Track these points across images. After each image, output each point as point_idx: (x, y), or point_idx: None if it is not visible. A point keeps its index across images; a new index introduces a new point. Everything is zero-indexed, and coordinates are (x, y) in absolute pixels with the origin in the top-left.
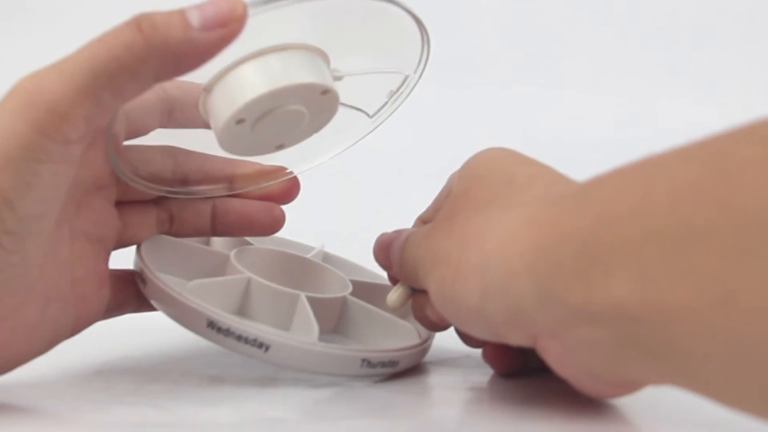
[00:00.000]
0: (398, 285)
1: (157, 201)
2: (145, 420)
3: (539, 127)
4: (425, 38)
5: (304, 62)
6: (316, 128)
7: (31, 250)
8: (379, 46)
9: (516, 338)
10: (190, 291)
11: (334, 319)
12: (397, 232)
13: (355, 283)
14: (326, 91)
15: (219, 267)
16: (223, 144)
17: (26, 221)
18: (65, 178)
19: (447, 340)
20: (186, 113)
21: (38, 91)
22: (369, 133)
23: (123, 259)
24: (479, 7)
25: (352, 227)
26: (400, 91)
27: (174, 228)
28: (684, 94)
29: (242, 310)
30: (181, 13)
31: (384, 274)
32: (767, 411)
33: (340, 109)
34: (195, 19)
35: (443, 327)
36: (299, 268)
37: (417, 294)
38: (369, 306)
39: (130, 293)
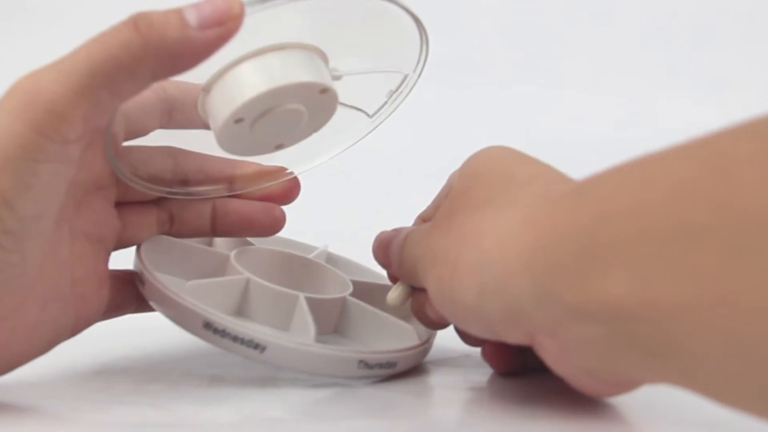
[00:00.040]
0: (398, 284)
1: (158, 201)
2: (145, 420)
3: (539, 127)
4: (424, 37)
5: (303, 61)
6: (316, 128)
7: (30, 250)
8: (378, 45)
9: (513, 336)
10: (188, 291)
11: (333, 320)
12: (396, 231)
13: (356, 284)
14: (325, 90)
15: (219, 267)
16: (222, 144)
17: (25, 221)
18: (64, 178)
19: (447, 340)
20: (185, 114)
21: (36, 91)
22: (369, 132)
23: (123, 259)
24: (479, 7)
25: (352, 227)
26: (400, 90)
27: (174, 228)
28: (684, 94)
29: (241, 311)
30: (179, 12)
31: (385, 273)
32: (764, 409)
33: (340, 109)
34: (192, 17)
35: (443, 325)
36: (300, 269)
37: (416, 292)
38: (368, 307)
39: (130, 294)
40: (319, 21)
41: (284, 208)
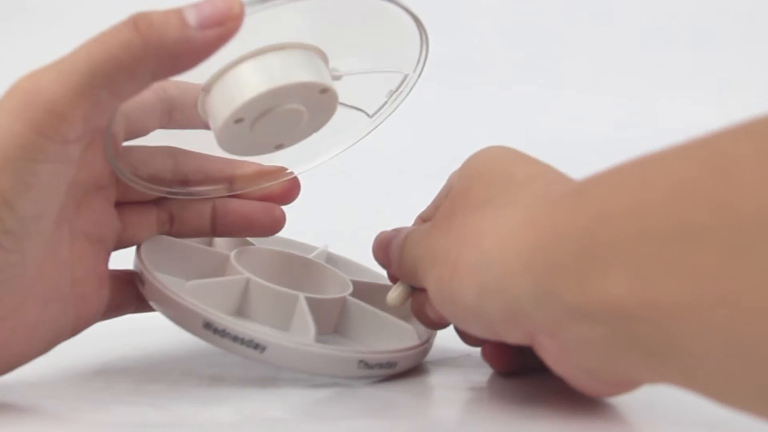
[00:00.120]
0: (398, 284)
1: (158, 201)
2: (145, 420)
3: (539, 127)
4: (424, 37)
5: (303, 61)
6: (316, 128)
7: (30, 250)
8: (378, 45)
9: (513, 336)
10: (187, 291)
11: (334, 320)
12: (396, 231)
13: (356, 284)
14: (325, 90)
15: (219, 267)
16: (222, 144)
17: (25, 221)
18: (64, 178)
19: (447, 340)
20: (185, 114)
21: (36, 91)
22: (369, 132)
23: (123, 259)
24: (479, 7)
25: (352, 227)
26: (400, 90)
27: (174, 228)
28: (684, 94)
29: (241, 311)
30: (178, 12)
31: (385, 273)
32: (763, 409)
33: (340, 109)
34: (192, 17)
35: (443, 325)
36: (300, 269)
37: (416, 292)
38: (368, 307)
39: (130, 294)
40: (318, 21)
41: (284, 208)
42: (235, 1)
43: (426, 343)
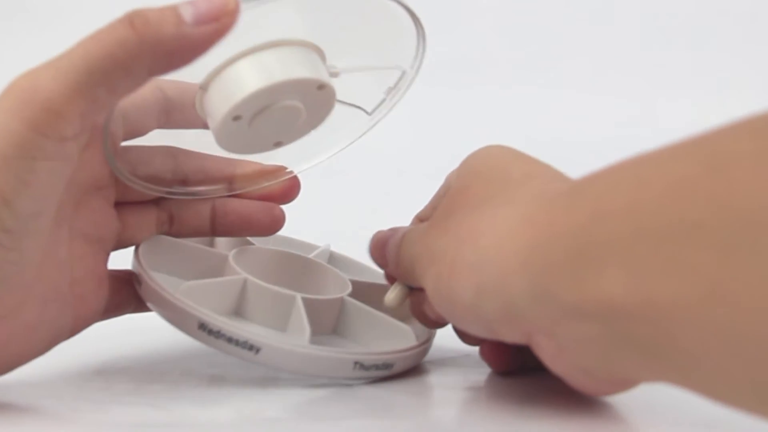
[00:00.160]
0: (395, 284)
1: (157, 201)
2: (145, 420)
3: (539, 127)
4: (421, 32)
5: (300, 58)
6: (314, 125)
7: (28, 248)
8: (375, 42)
9: (511, 335)
10: (183, 292)
11: (332, 320)
12: (393, 230)
13: (356, 284)
14: (322, 87)
15: (218, 267)
16: (221, 141)
17: (23, 219)
18: (62, 176)
19: (446, 339)
20: (184, 113)
21: (33, 90)
22: (368, 130)
23: (123, 259)
24: (479, 7)
25: (352, 227)
26: (398, 87)
27: (174, 228)
28: (684, 94)
29: (239, 311)
30: (174, 8)
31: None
32: (761, 407)
33: (339, 108)
34: (188, 14)
35: (441, 324)
36: (299, 268)
37: (415, 292)
38: (366, 307)
39: (129, 294)
40: (315, 18)
41: (284, 207)
42: None
43: (424, 344)
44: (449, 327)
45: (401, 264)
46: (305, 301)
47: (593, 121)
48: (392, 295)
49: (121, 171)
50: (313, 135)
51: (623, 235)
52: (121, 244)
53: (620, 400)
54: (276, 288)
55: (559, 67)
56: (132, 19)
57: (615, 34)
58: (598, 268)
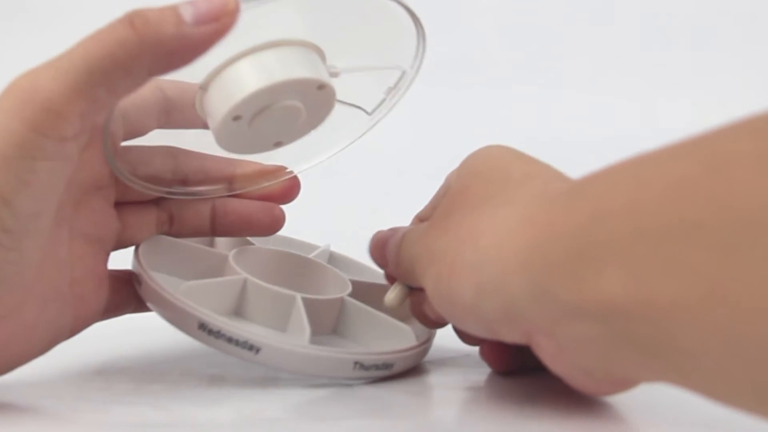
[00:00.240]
0: (395, 284)
1: (157, 201)
2: (145, 420)
3: (539, 127)
4: (421, 32)
5: (300, 58)
6: (314, 125)
7: (28, 248)
8: (375, 42)
9: (511, 335)
10: (183, 292)
11: (332, 321)
12: (393, 230)
13: (356, 284)
14: (322, 87)
15: (218, 267)
16: (221, 141)
17: (23, 219)
18: (62, 176)
19: (446, 339)
20: (184, 113)
21: (33, 90)
22: (368, 130)
23: (123, 259)
24: (479, 7)
25: (352, 227)
26: (398, 86)
27: (174, 228)
28: (684, 94)
29: (239, 312)
30: (174, 8)
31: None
32: (761, 407)
33: (339, 108)
34: (188, 14)
35: (441, 324)
36: (299, 268)
37: (415, 292)
38: (366, 307)
39: (129, 294)
40: (315, 18)
41: (284, 207)
42: None
43: (424, 344)
44: (449, 327)
45: (401, 264)
46: (305, 301)
47: (593, 121)
48: (392, 295)
49: (121, 171)
50: (313, 135)
51: (623, 235)
52: (121, 244)
53: (620, 400)
54: (276, 288)
55: (559, 67)
56: (132, 19)
57: (615, 34)
58: (598, 268)
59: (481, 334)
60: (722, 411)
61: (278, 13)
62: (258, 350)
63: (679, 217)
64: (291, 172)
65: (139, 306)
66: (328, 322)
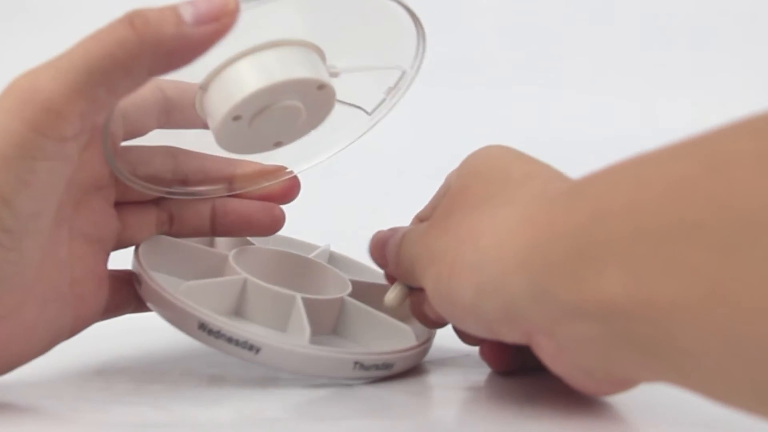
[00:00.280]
0: (395, 284)
1: (157, 202)
2: (145, 420)
3: (539, 127)
4: (420, 32)
5: (299, 58)
6: (314, 125)
7: (28, 248)
8: (374, 41)
9: (510, 335)
10: (183, 293)
11: (332, 321)
12: (393, 230)
13: (356, 284)
14: (322, 86)
15: (218, 267)
16: (221, 141)
17: (23, 219)
18: (62, 176)
19: (446, 339)
20: (184, 114)
21: (33, 90)
22: (368, 130)
23: (123, 259)
24: (479, 7)
25: (352, 227)
26: (398, 86)
27: (174, 229)
28: (684, 94)
29: (239, 312)
30: (174, 8)
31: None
32: (761, 407)
33: (339, 108)
34: (188, 14)
35: (442, 324)
36: (299, 268)
37: (415, 292)
38: (366, 307)
39: (129, 294)
40: (315, 18)
41: (284, 207)
42: None
43: (424, 344)
44: (449, 327)
45: (401, 264)
46: (305, 301)
47: (593, 121)
48: (392, 295)
49: (121, 171)
50: (313, 135)
51: (623, 235)
52: (121, 244)
53: (620, 400)
54: (276, 288)
55: (559, 67)
56: (132, 19)
57: (615, 34)
58: (598, 268)
59: (481, 334)
60: (722, 411)
61: (278, 13)
62: (258, 350)
63: (679, 217)
64: (291, 172)
65: (139, 306)
66: (328, 322)
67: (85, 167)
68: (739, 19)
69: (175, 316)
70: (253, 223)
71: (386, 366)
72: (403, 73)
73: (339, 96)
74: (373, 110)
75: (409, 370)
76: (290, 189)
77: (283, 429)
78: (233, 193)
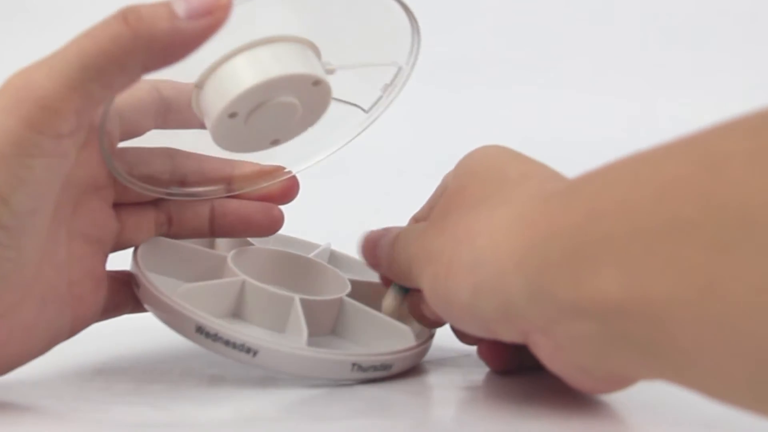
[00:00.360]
0: (389, 290)
1: (156, 203)
2: (145, 420)
3: (539, 128)
4: (415, 26)
5: (294, 54)
6: (310, 123)
7: (26, 246)
8: (369, 38)
9: (508, 335)
10: (180, 295)
11: (331, 321)
12: (385, 230)
13: (356, 284)
14: (318, 83)
15: (217, 268)
16: (218, 140)
17: (20, 216)
18: (58, 173)
19: (445, 339)
20: (181, 114)
21: (28, 87)
22: (365, 128)
23: (123, 259)
24: (479, 7)
25: (352, 227)
26: (394, 83)
27: (173, 230)
28: (684, 94)
29: (237, 313)
30: (167, 4)
31: None
32: (757, 404)
33: (336, 106)
34: (181, 9)
35: (441, 324)
36: (298, 268)
37: (413, 292)
38: (365, 308)
39: (127, 295)
40: (309, 14)
41: (284, 207)
42: None
43: (423, 344)
44: (447, 326)
45: (396, 264)
46: (303, 302)
47: (593, 121)
48: (387, 301)
49: (118, 171)
50: (311, 134)
51: (618, 234)
52: (119, 246)
53: (619, 400)
54: (274, 289)
55: (559, 67)
56: (125, 15)
57: (615, 34)
58: (594, 267)
59: (479, 334)
60: (722, 410)
61: (272, 10)
62: (255, 353)
63: (673, 215)
64: (289, 172)
65: (137, 307)
66: (326, 323)
67: (83, 167)
68: (739, 19)
69: (173, 319)
70: (252, 223)
71: (384, 367)
72: (399, 69)
73: (335, 94)
74: (370, 108)
75: (408, 369)
76: (289, 189)
77: (282, 429)
78: (232, 194)
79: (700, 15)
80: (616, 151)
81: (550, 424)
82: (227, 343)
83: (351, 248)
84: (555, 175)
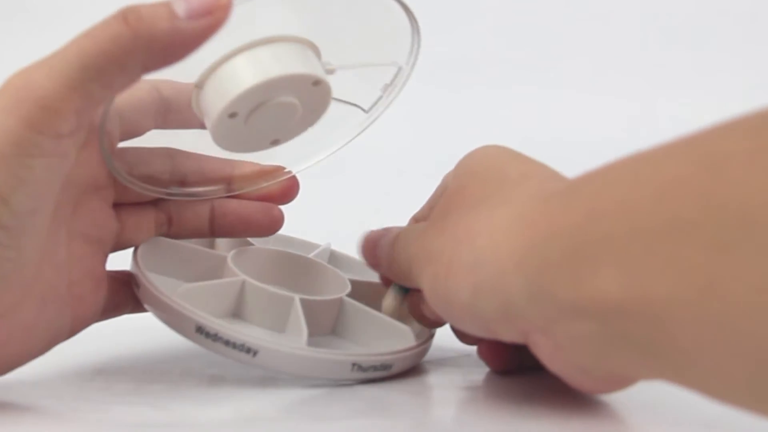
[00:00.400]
0: (389, 290)
1: (156, 203)
2: (145, 420)
3: (539, 128)
4: (415, 26)
5: (295, 54)
6: (310, 123)
7: (26, 246)
8: (369, 38)
9: (508, 334)
10: (180, 295)
11: (331, 321)
12: (385, 230)
13: (356, 283)
14: (318, 82)
15: (217, 269)
16: (218, 140)
17: (20, 216)
18: (58, 173)
19: (445, 339)
20: (181, 114)
21: (28, 87)
22: (365, 128)
23: (123, 259)
24: (479, 7)
25: (352, 227)
26: (394, 83)
27: (173, 230)
28: (684, 94)
29: (237, 313)
30: (167, 4)
31: None
32: (757, 404)
33: (336, 106)
34: (181, 9)
35: (441, 324)
36: (298, 268)
37: (413, 292)
38: (365, 308)
39: (127, 295)
40: (309, 14)
41: (284, 207)
42: None
43: (423, 344)
44: (447, 326)
45: (396, 264)
46: (303, 302)
47: (593, 121)
48: (387, 302)
49: (118, 171)
50: (311, 134)
51: (618, 234)
52: (119, 246)
53: (620, 400)
54: (274, 289)
55: (559, 67)
56: (125, 15)
57: (615, 34)
58: (594, 267)
59: (479, 334)
60: (722, 410)
61: (272, 10)
62: (255, 353)
63: (673, 215)
64: (289, 172)
65: (137, 307)
66: (326, 323)
67: (83, 167)
68: (739, 19)
69: (173, 319)
70: (252, 223)
71: (384, 367)
72: (399, 69)
73: (335, 94)
74: (370, 108)
75: (408, 369)
76: (289, 189)
77: (282, 429)
78: (232, 194)
79: (700, 15)
80: (616, 151)
81: (550, 424)
82: (227, 343)
83: (351, 248)
84: (555, 175)
